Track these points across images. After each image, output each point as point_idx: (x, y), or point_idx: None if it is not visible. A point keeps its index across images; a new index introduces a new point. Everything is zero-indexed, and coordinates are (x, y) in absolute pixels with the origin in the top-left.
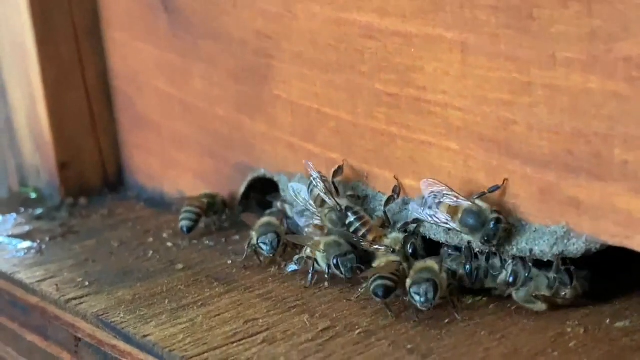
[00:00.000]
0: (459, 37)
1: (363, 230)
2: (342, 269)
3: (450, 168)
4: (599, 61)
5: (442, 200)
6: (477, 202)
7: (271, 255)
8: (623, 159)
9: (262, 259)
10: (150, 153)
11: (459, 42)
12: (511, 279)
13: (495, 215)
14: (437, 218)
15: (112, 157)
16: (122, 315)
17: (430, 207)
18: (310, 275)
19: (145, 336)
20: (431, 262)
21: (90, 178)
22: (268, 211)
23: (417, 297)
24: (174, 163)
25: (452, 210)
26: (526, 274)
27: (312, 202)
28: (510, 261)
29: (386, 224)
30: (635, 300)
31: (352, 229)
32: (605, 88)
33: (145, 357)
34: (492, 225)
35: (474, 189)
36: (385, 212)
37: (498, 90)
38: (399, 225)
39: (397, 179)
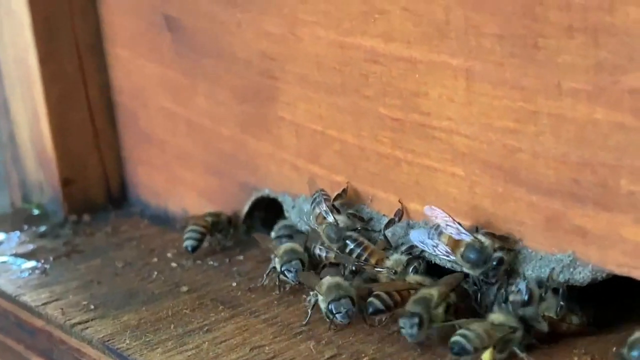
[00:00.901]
0: (463, 64)
1: (365, 255)
2: (337, 315)
3: (456, 194)
4: (605, 92)
5: (444, 230)
6: (480, 237)
7: (295, 283)
8: (629, 189)
9: (282, 285)
10: (154, 170)
11: (464, 69)
12: (526, 297)
13: (498, 255)
14: (438, 250)
15: (115, 174)
16: (127, 342)
17: (431, 238)
18: (309, 313)
19: None
20: (433, 292)
21: (94, 194)
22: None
23: (402, 330)
24: (178, 180)
25: (454, 243)
26: (541, 294)
27: (312, 220)
28: (524, 280)
29: (387, 246)
30: None
31: (354, 255)
32: (611, 119)
33: None
34: (493, 265)
35: (479, 215)
36: (384, 235)
37: (504, 118)
38: (403, 248)
39: (401, 203)
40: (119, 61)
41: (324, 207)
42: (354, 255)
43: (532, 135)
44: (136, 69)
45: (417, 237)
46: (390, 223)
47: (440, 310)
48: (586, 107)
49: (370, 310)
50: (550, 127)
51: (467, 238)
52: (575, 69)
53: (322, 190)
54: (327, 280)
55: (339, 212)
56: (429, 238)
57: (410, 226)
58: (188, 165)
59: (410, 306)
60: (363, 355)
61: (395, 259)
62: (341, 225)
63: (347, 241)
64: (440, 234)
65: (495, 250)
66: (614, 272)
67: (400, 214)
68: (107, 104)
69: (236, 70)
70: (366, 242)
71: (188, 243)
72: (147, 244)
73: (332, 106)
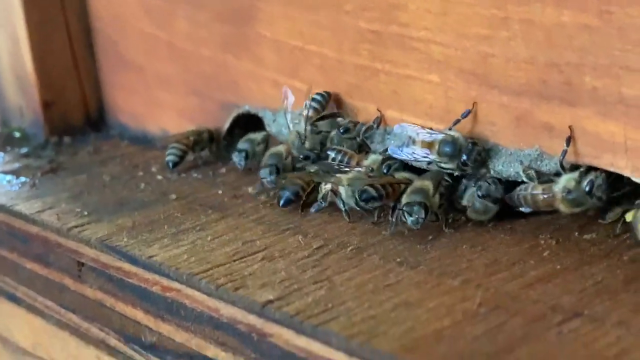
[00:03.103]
0: None
1: (345, 159)
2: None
3: (432, 100)
4: None
5: (417, 138)
6: (451, 132)
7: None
8: (592, 85)
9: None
10: (133, 93)
11: None
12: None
13: (470, 140)
14: (416, 155)
15: (94, 98)
16: (125, 240)
17: (407, 146)
18: (344, 212)
19: (150, 257)
20: (427, 183)
21: (73, 118)
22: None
23: (408, 217)
24: (158, 102)
25: (429, 145)
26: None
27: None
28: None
29: (366, 149)
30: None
31: (337, 161)
32: (577, 21)
33: (151, 276)
34: (468, 150)
35: (453, 118)
36: (363, 139)
37: (477, 26)
38: (380, 150)
39: (379, 111)
40: None
41: (306, 114)
42: (337, 161)
43: (504, 41)
44: None
45: (394, 149)
46: (369, 129)
47: (437, 199)
48: (554, 10)
49: (364, 197)
50: (521, 32)
51: (439, 136)
52: None
53: (322, 94)
54: (345, 175)
55: (321, 119)
56: (406, 146)
57: (387, 132)
58: (168, 87)
59: (410, 197)
60: (348, 245)
61: (373, 158)
62: (307, 145)
63: (329, 152)
64: (414, 142)
65: (466, 139)
66: (578, 162)
67: (379, 120)
68: (85, 29)
69: None
70: (345, 148)
71: (169, 159)
72: (130, 160)
73: (312, 23)
